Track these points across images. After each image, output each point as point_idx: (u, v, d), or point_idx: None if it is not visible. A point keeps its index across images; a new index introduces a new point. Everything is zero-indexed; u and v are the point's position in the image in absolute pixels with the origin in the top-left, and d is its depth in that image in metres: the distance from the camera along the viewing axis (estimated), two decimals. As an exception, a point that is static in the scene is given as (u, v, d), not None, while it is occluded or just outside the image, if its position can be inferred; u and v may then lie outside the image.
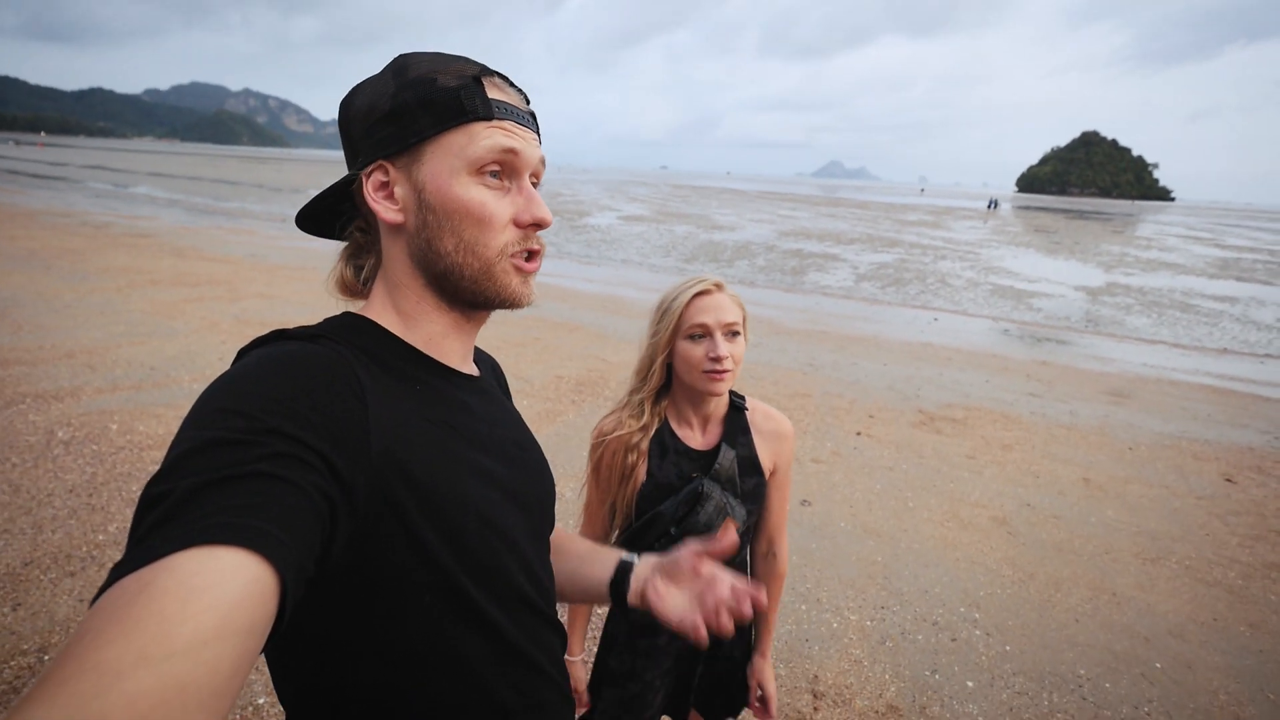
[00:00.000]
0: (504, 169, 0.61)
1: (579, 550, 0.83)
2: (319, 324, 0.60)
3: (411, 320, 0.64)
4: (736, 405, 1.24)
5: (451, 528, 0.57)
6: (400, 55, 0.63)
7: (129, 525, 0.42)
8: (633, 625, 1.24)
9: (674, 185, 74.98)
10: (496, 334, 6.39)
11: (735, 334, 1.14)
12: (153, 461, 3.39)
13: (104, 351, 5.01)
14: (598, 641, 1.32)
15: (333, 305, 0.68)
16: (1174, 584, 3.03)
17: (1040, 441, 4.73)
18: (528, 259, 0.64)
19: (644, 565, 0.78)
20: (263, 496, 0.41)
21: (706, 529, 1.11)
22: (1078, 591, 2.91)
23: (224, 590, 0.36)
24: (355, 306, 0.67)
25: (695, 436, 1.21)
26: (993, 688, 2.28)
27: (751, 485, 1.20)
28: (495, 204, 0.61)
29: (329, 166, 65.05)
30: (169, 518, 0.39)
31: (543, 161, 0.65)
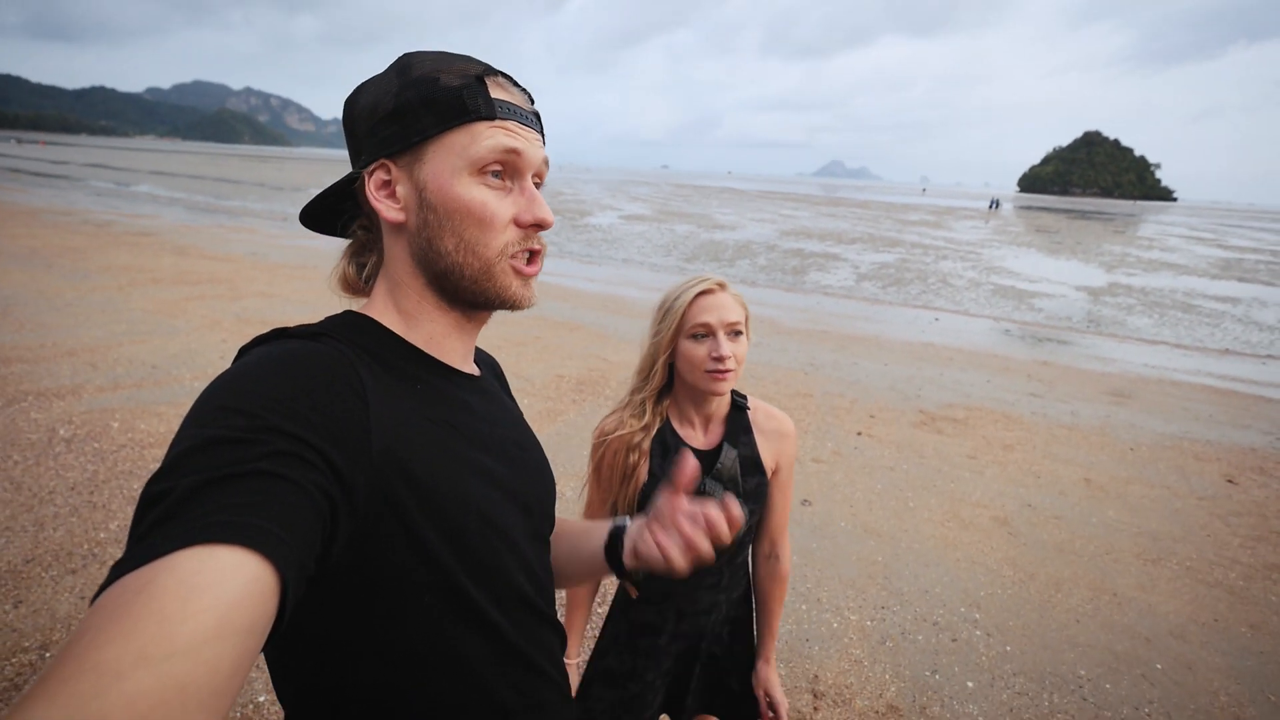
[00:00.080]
0: (506, 169, 0.61)
1: (576, 528, 0.83)
2: (320, 322, 0.60)
3: (412, 319, 0.64)
4: (738, 405, 1.24)
5: (452, 527, 0.56)
6: (404, 54, 0.63)
7: (130, 523, 0.42)
8: (633, 625, 1.24)
9: (675, 185, 74.96)
10: (498, 333, 6.39)
11: (738, 333, 1.13)
12: (154, 459, 3.40)
13: (105, 349, 5.01)
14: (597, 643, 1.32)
15: (334, 303, 0.68)
16: (1175, 585, 3.02)
17: (1041, 442, 4.73)
18: (529, 261, 0.64)
19: (635, 525, 0.77)
20: (263, 495, 0.41)
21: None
22: (1079, 592, 2.91)
23: (224, 589, 0.36)
24: (357, 304, 0.67)
25: (697, 436, 1.21)
26: (993, 688, 2.28)
27: (754, 485, 1.19)
28: (496, 204, 0.60)
29: (330, 165, 65.06)
30: (170, 516, 0.39)
31: (546, 162, 0.65)
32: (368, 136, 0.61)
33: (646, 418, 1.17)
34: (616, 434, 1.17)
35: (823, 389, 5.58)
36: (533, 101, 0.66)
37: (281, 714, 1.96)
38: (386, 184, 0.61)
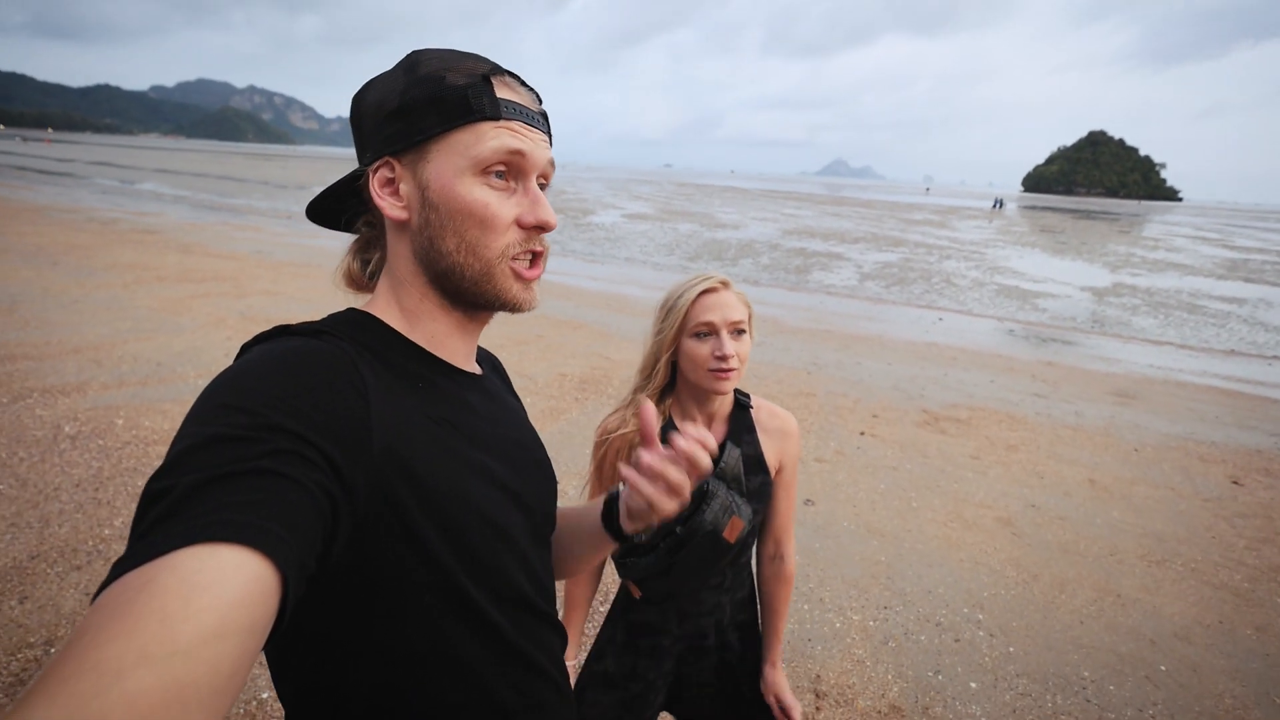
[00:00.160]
0: (510, 170, 0.61)
1: (576, 509, 0.83)
2: (323, 320, 0.60)
3: (415, 317, 0.64)
4: (741, 403, 1.23)
5: (452, 527, 0.56)
6: (413, 51, 0.63)
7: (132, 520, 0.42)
8: (632, 625, 1.23)
9: (678, 184, 74.87)
10: (500, 331, 6.40)
11: (741, 332, 1.13)
12: (158, 456, 3.41)
13: (110, 347, 5.03)
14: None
15: (338, 302, 0.68)
16: (1180, 586, 3.01)
17: (1045, 442, 4.71)
18: (531, 264, 0.63)
19: (626, 490, 0.77)
20: (265, 493, 0.41)
21: (712, 528, 1.10)
22: (1083, 593, 2.90)
23: (225, 588, 0.36)
24: (360, 300, 0.68)
25: (700, 435, 1.20)
26: (996, 689, 2.27)
27: (757, 484, 1.19)
28: (499, 205, 0.60)
29: (333, 163, 65.22)
30: (171, 514, 0.39)
31: (551, 163, 0.64)
32: (373, 133, 0.61)
33: None
34: (619, 432, 1.16)
35: (826, 388, 5.57)
36: (541, 101, 0.66)
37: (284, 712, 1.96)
38: (390, 182, 0.61)
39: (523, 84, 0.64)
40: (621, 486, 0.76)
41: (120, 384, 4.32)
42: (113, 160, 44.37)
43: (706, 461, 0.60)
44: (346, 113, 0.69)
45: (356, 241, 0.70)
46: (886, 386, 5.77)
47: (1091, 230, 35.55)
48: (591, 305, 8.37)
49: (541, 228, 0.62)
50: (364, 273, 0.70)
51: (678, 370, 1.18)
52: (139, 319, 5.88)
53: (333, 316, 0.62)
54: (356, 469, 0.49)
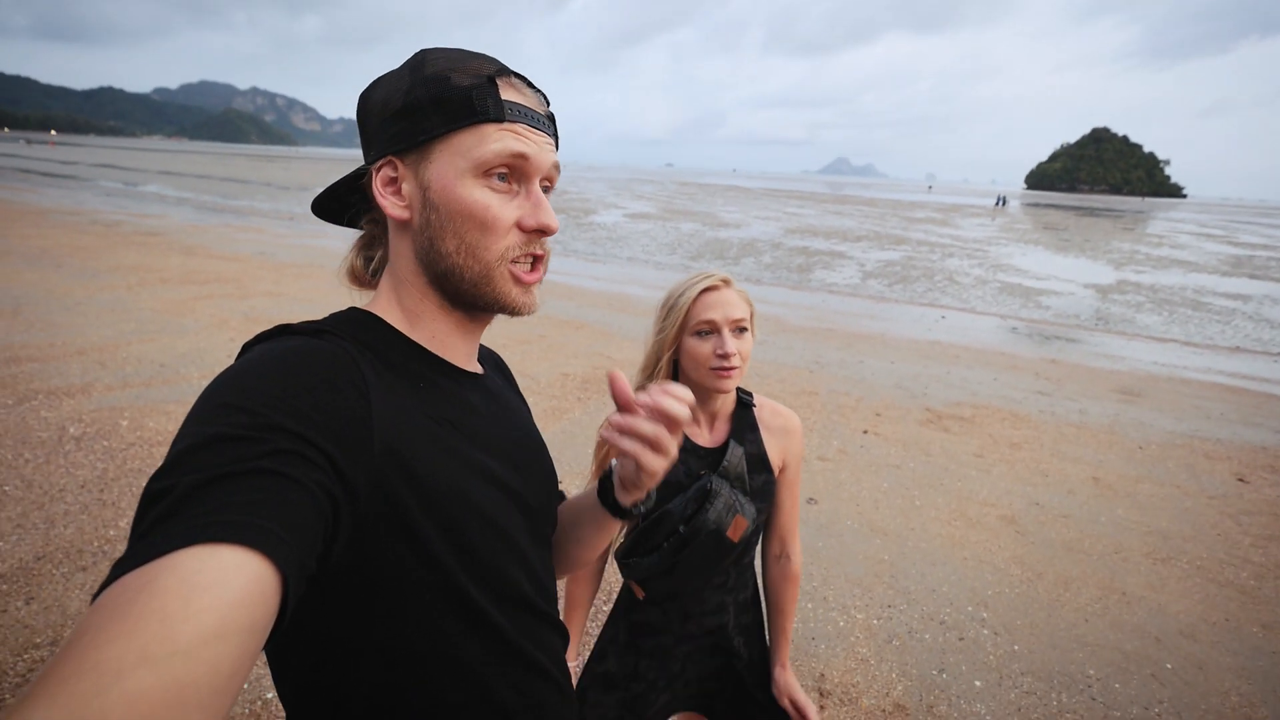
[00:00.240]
0: (513, 172, 0.61)
1: (575, 497, 0.83)
2: (324, 319, 0.60)
3: (416, 317, 0.64)
4: (744, 402, 1.23)
5: (453, 526, 0.56)
6: (421, 50, 0.62)
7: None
8: (635, 625, 1.23)
9: (679, 183, 74.84)
10: (502, 331, 6.40)
11: (743, 330, 1.12)
12: (162, 458, 3.41)
13: (114, 349, 5.05)
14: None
15: (340, 303, 0.68)
16: (1185, 584, 3.00)
17: (1049, 440, 4.69)
18: (531, 268, 0.63)
19: (618, 461, 0.77)
20: (265, 494, 0.41)
21: (716, 527, 1.09)
22: (1087, 591, 2.89)
23: (225, 589, 0.36)
24: (363, 297, 0.68)
25: (703, 434, 1.20)
26: (1001, 687, 2.27)
27: (760, 483, 1.19)
28: (500, 208, 0.60)
29: (336, 165, 65.33)
30: (171, 514, 0.39)
31: (556, 166, 0.64)
32: (377, 132, 0.61)
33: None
34: None
35: (828, 387, 5.56)
36: (548, 103, 0.66)
37: (289, 710, 1.97)
38: (393, 181, 0.61)
39: (530, 86, 0.63)
40: (614, 461, 0.76)
41: (124, 385, 4.34)
42: (116, 162, 44.52)
43: (677, 409, 0.58)
44: (348, 114, 0.69)
45: (361, 238, 0.70)
46: (889, 385, 5.76)
47: (1095, 227, 35.41)
48: (594, 305, 8.37)
49: (542, 231, 0.62)
50: (367, 270, 0.70)
51: (679, 369, 1.18)
52: (143, 321, 5.90)
53: (334, 316, 0.61)
54: (357, 468, 0.49)
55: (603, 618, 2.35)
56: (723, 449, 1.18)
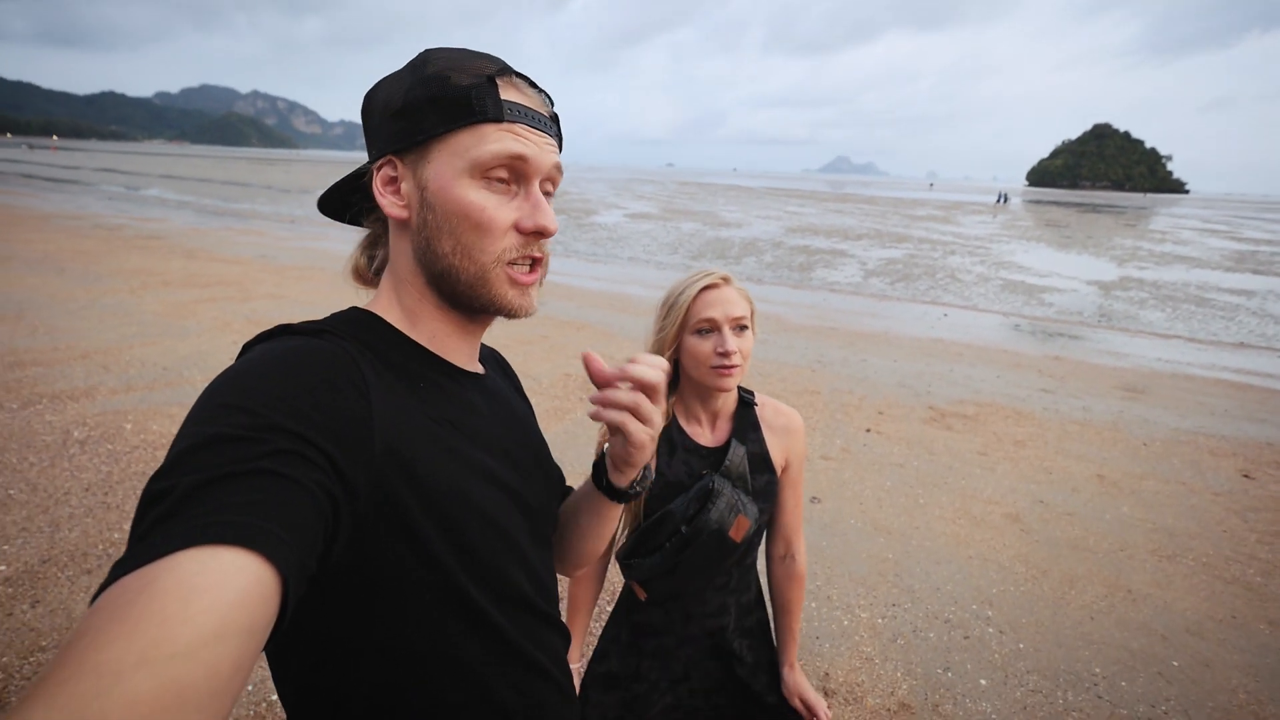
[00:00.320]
0: (512, 173, 0.60)
1: (574, 491, 0.83)
2: (325, 319, 0.60)
3: (415, 317, 0.64)
4: (746, 401, 1.22)
5: (453, 527, 0.56)
6: (425, 50, 0.62)
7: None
8: (637, 626, 1.22)
9: (680, 183, 74.84)
10: (504, 331, 6.40)
11: (743, 329, 1.11)
12: (166, 460, 3.43)
13: (118, 352, 5.07)
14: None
15: (341, 305, 0.68)
16: (1191, 581, 2.98)
17: (1053, 437, 4.68)
18: (529, 269, 0.62)
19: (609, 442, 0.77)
20: (265, 494, 0.41)
21: (718, 527, 1.09)
22: (1093, 589, 2.88)
23: (225, 591, 0.36)
24: (366, 295, 0.68)
25: (704, 433, 1.19)
26: (1006, 685, 2.26)
27: (763, 482, 1.18)
28: (496, 209, 0.59)
29: (336, 167, 65.44)
30: (171, 515, 0.39)
31: (558, 168, 0.63)
32: (378, 131, 0.61)
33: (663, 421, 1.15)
34: None
35: (831, 386, 5.55)
36: (552, 104, 0.65)
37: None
38: (393, 180, 0.61)
39: (533, 86, 0.63)
40: (605, 445, 0.76)
41: (128, 389, 4.35)
42: (118, 167, 44.67)
43: (648, 373, 0.60)
44: (349, 117, 0.70)
45: (366, 237, 0.71)
46: (892, 383, 5.74)
47: (1097, 224, 35.31)
48: (595, 305, 8.37)
49: (540, 233, 0.61)
50: (370, 268, 0.70)
51: (680, 368, 1.17)
52: (145, 324, 5.92)
53: (335, 315, 0.61)
54: (357, 469, 0.48)
55: (606, 618, 2.35)
56: (725, 448, 1.17)
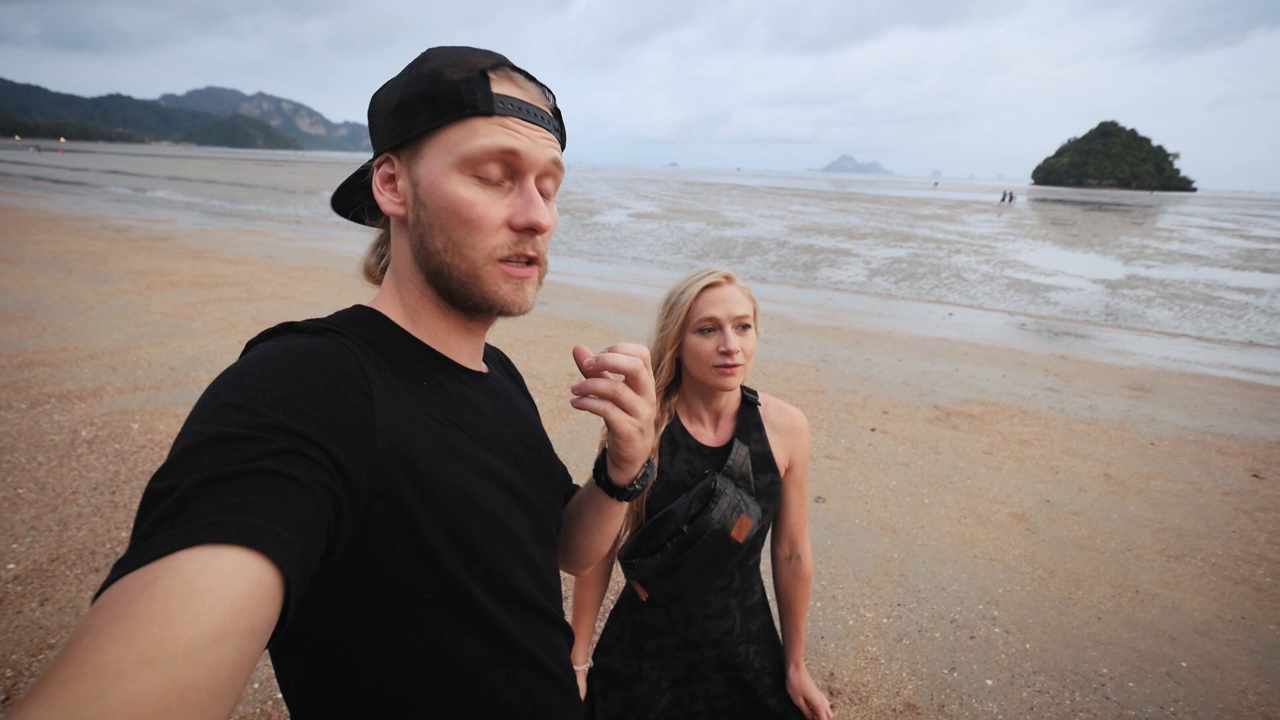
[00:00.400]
0: (505, 169, 0.59)
1: (578, 490, 0.83)
2: (328, 317, 0.60)
3: (416, 315, 0.64)
4: (749, 401, 1.21)
5: (456, 526, 0.56)
6: (426, 49, 0.62)
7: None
8: (638, 625, 1.22)
9: (684, 182, 74.78)
10: (509, 331, 6.42)
11: (746, 327, 1.11)
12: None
13: (125, 352, 5.10)
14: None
15: (346, 305, 0.68)
16: (1200, 581, 2.96)
17: (1059, 437, 4.65)
18: (526, 264, 0.61)
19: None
20: (267, 494, 0.40)
21: (720, 527, 1.08)
22: (1100, 589, 2.86)
23: (227, 591, 0.36)
24: (371, 294, 0.68)
25: (707, 433, 1.19)
26: (1013, 686, 2.25)
27: (766, 482, 1.17)
28: (487, 205, 0.58)
29: (340, 168, 65.69)
30: (173, 514, 0.38)
31: (556, 163, 0.61)
32: (378, 129, 0.62)
33: (654, 414, 1.15)
34: None
35: (835, 385, 5.53)
36: (551, 98, 0.64)
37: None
38: (391, 178, 0.61)
39: (530, 79, 0.61)
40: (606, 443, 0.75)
41: (135, 389, 4.38)
42: (125, 169, 44.96)
43: (624, 361, 0.61)
44: (353, 118, 0.70)
45: (380, 235, 0.71)
46: (897, 382, 5.72)
47: (1103, 222, 35.08)
48: (599, 305, 8.37)
49: (533, 229, 0.59)
50: (378, 266, 0.70)
51: (682, 367, 1.17)
52: (152, 324, 5.95)
53: (339, 314, 0.61)
54: (360, 468, 0.48)
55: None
56: (727, 448, 1.16)
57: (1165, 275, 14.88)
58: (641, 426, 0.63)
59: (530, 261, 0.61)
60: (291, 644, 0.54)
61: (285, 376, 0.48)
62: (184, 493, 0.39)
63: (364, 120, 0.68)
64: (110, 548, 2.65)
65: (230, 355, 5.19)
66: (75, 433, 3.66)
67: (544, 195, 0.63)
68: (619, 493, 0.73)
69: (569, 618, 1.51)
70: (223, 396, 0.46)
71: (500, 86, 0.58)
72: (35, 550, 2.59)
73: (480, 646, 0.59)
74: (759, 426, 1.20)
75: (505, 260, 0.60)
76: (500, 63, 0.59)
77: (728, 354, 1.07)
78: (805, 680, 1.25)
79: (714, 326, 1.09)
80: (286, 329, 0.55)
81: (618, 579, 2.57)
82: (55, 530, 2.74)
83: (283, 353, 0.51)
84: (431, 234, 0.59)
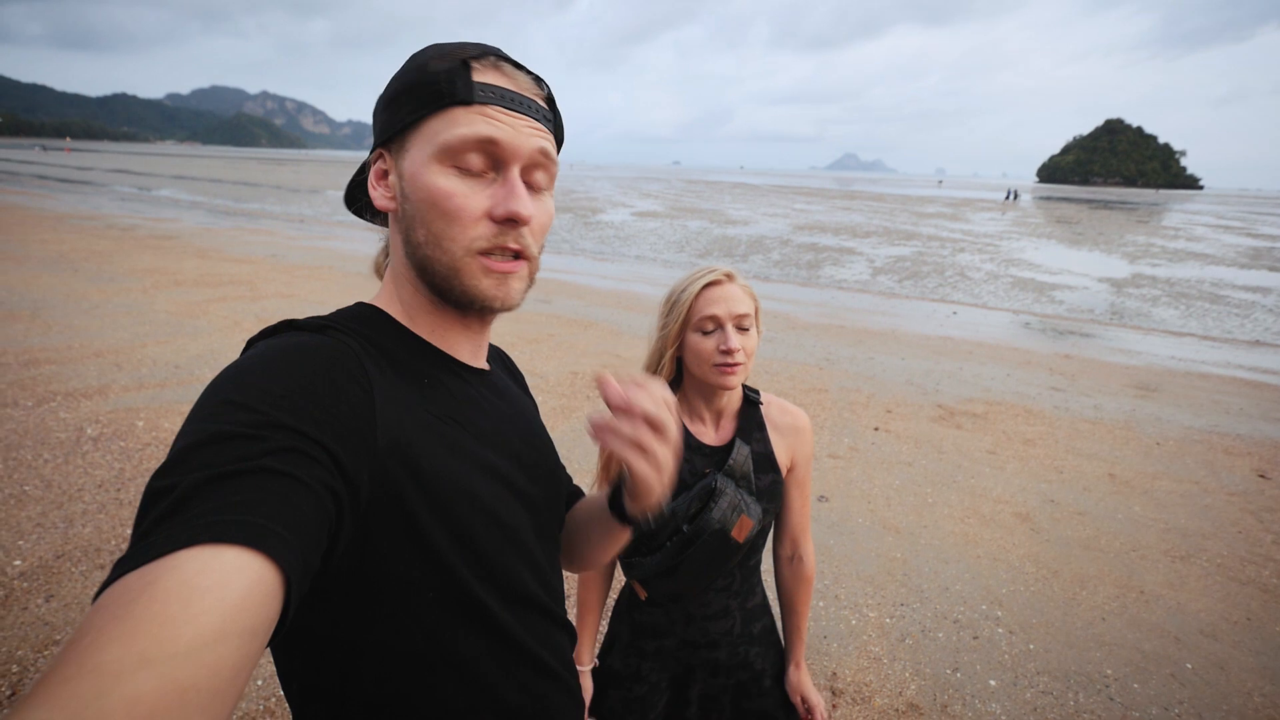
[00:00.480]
0: (487, 159, 0.57)
1: (589, 498, 0.82)
2: (330, 314, 0.60)
3: (413, 311, 0.63)
4: (751, 400, 1.21)
5: (458, 525, 0.56)
6: (426, 45, 0.62)
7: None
8: (637, 625, 1.22)
9: (687, 181, 74.67)
10: (511, 330, 6.42)
11: (746, 327, 1.10)
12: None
13: (130, 350, 5.12)
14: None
15: (350, 302, 0.68)
16: (1205, 582, 2.94)
17: (1064, 436, 4.63)
18: (513, 258, 0.59)
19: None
20: (267, 493, 0.40)
21: (720, 526, 1.08)
22: (1104, 589, 2.84)
23: (227, 591, 0.36)
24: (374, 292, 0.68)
25: (708, 432, 1.18)
26: (1016, 687, 2.24)
27: (767, 482, 1.16)
28: (465, 196, 0.56)
29: (344, 167, 65.82)
30: (173, 513, 0.38)
31: (544, 153, 0.59)
32: (376, 127, 0.62)
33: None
34: None
35: (839, 384, 5.52)
36: (542, 85, 0.62)
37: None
38: (384, 173, 0.61)
39: (518, 67, 0.60)
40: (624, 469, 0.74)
41: (140, 386, 4.40)
42: (130, 168, 45.14)
43: (649, 408, 0.54)
44: (356, 116, 0.70)
45: (389, 231, 0.71)
46: (900, 381, 5.71)
47: (1109, 220, 34.89)
48: (602, 304, 8.37)
49: (512, 219, 0.57)
50: (385, 263, 0.70)
51: (683, 366, 1.17)
52: (158, 323, 5.98)
53: (340, 311, 0.61)
54: (360, 466, 0.48)
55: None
56: (728, 447, 1.16)
57: (1171, 274, 14.80)
58: (662, 479, 0.59)
59: (516, 256, 0.59)
60: (292, 643, 0.54)
61: (286, 374, 0.48)
62: (184, 491, 0.39)
63: (368, 119, 0.68)
64: (115, 544, 2.67)
65: (234, 353, 5.21)
66: (81, 430, 3.68)
67: (533, 188, 0.61)
68: (628, 520, 0.70)
69: (572, 616, 1.51)
70: (223, 394, 0.46)
71: (483, 75, 0.57)
72: (41, 547, 2.60)
73: (482, 645, 0.59)
74: (761, 426, 1.19)
75: (486, 253, 0.58)
76: (486, 52, 0.58)
77: (728, 353, 1.07)
78: (804, 680, 1.25)
79: (714, 325, 1.09)
80: (287, 326, 0.55)
81: (619, 578, 2.57)
82: (61, 527, 2.75)
83: (283, 350, 0.50)
84: (415, 226, 0.58)
